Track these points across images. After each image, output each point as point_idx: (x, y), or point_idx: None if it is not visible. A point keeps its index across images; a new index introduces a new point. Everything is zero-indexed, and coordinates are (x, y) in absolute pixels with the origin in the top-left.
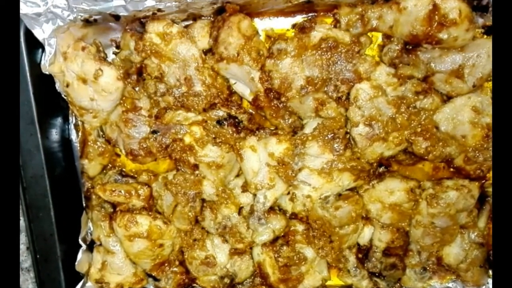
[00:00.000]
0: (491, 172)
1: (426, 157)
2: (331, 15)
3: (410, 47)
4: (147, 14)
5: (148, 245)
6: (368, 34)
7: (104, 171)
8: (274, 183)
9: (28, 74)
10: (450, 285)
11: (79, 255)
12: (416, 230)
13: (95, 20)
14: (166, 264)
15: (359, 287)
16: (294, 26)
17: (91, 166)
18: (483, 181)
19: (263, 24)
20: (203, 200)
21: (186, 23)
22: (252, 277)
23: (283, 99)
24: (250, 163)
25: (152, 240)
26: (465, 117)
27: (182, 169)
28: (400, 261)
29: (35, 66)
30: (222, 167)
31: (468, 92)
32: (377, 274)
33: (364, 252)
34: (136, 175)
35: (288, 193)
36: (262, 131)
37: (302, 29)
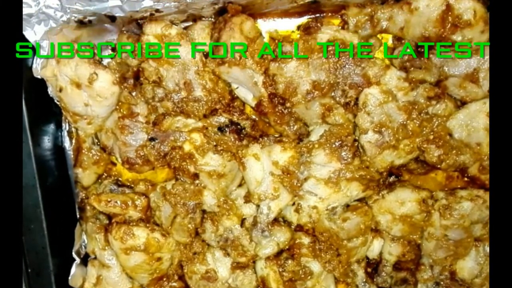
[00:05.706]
0: None
1: (438, 166)
2: (339, 16)
3: (422, 50)
4: (145, 15)
5: (146, 258)
6: (378, 36)
7: (99, 180)
8: (279, 193)
9: None
10: None
11: (73, 269)
12: (428, 243)
13: (90, 21)
14: (164, 279)
15: None
16: (299, 27)
17: (85, 175)
18: None
19: (266, 26)
20: (204, 211)
21: (186, 24)
22: None
23: (288, 104)
24: (253, 172)
25: (150, 253)
26: (480, 123)
27: (182, 179)
28: (411, 275)
29: (26, 69)
30: (223, 177)
31: (483, 97)
32: None
33: (373, 266)
34: (133, 185)
35: (293, 204)
36: (265, 139)
37: (307, 29)
